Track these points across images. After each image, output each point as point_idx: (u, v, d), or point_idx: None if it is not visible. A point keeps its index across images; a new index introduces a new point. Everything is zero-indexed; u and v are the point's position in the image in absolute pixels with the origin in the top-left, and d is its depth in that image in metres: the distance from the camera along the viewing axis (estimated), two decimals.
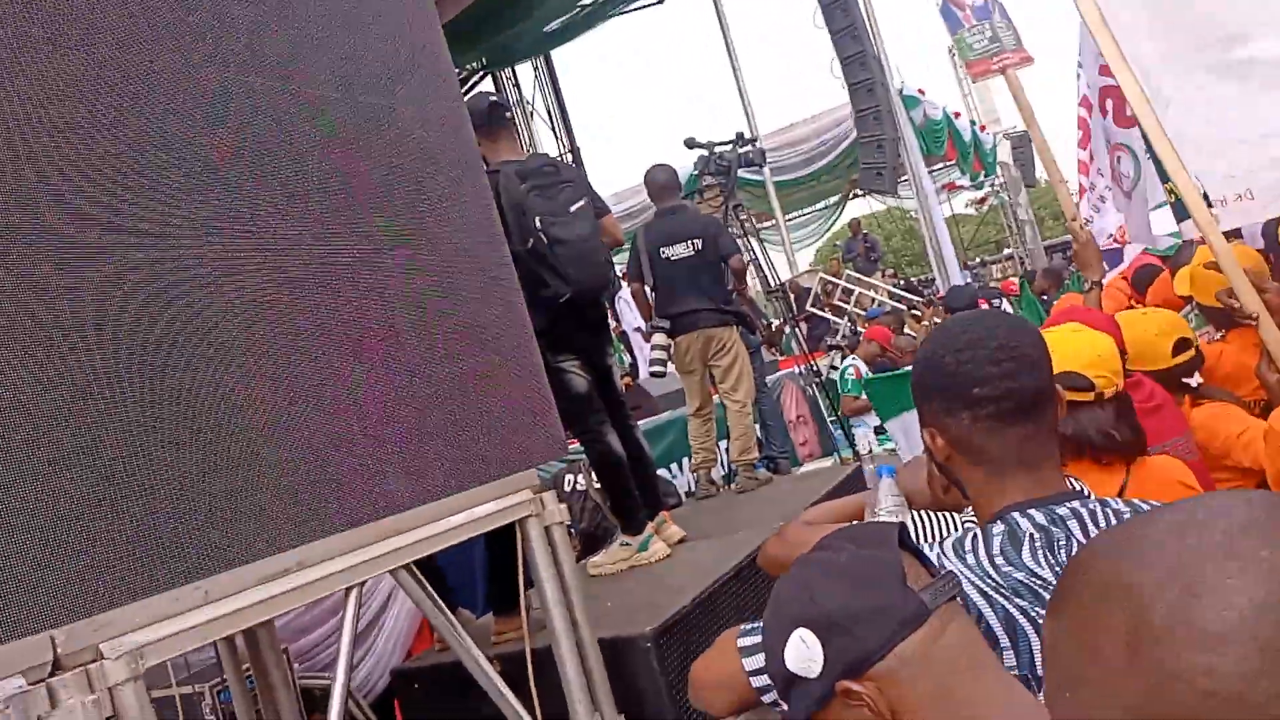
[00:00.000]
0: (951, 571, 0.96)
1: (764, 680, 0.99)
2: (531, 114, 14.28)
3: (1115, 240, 6.28)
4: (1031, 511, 1.09)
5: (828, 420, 6.93)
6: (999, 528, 1.09)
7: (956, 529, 1.50)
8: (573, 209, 3.33)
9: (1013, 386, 1.10)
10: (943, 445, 1.16)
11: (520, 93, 14.88)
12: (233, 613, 1.60)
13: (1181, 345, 2.50)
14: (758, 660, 1.00)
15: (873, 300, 12.37)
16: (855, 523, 1.35)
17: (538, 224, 3.21)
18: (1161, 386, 2.36)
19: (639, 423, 4.29)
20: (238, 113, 1.80)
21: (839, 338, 9.98)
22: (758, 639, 1.01)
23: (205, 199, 1.69)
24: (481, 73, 14.74)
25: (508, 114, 3.58)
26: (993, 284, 16.63)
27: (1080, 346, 2.00)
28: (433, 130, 2.29)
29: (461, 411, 2.15)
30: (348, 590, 1.83)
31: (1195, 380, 2.54)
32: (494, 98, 3.68)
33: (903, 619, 0.86)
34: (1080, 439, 1.88)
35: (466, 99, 3.71)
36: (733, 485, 4.93)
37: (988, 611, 1.04)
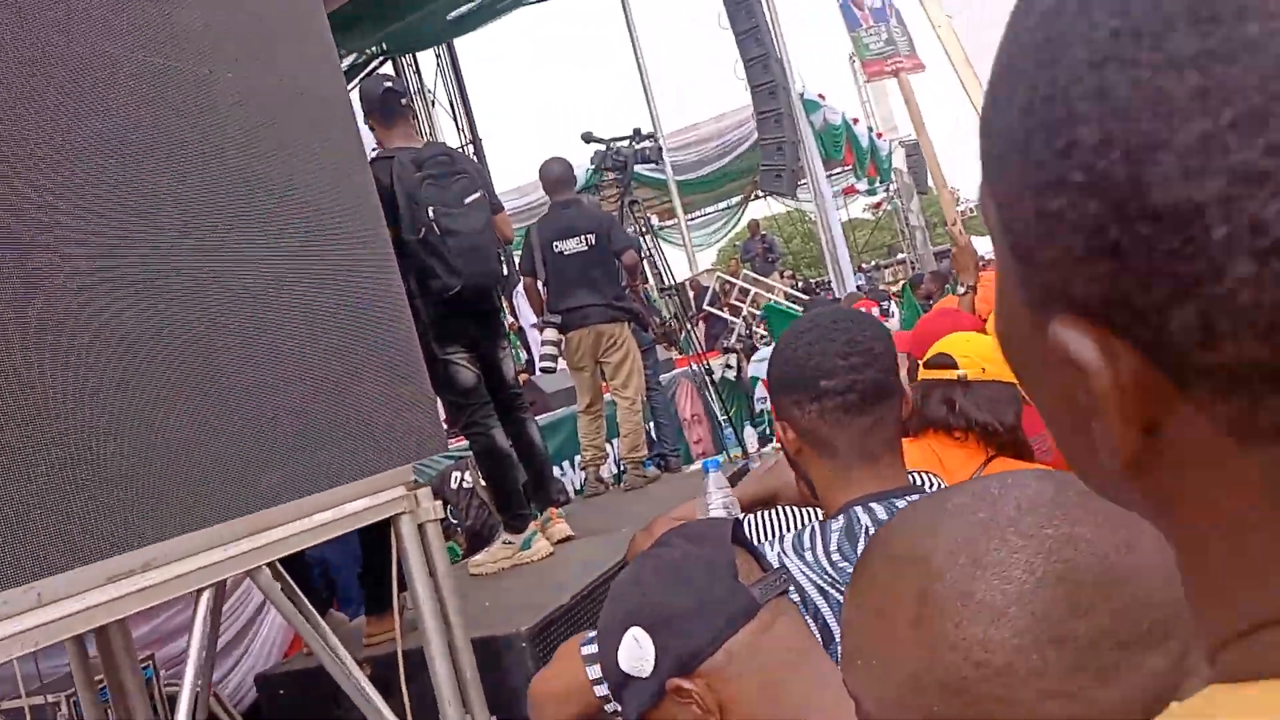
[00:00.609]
0: (783, 567, 0.96)
1: (606, 688, 0.98)
2: (433, 103, 14.03)
3: None
4: (873, 505, 1.11)
5: (720, 419, 7.00)
6: (838, 523, 1.11)
7: None
8: (467, 201, 3.28)
9: (858, 379, 1.13)
10: (793, 438, 1.18)
11: (421, 80, 14.58)
12: (69, 616, 1.51)
13: None
14: (599, 669, 0.99)
15: (769, 301, 12.57)
16: (691, 520, 1.36)
17: (430, 214, 3.16)
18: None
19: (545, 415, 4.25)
20: (105, 86, 1.69)
21: (734, 339, 10.10)
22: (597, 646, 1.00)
23: (67, 175, 1.59)
24: (382, 58, 14.41)
25: (404, 100, 3.50)
26: (883, 287, 17.12)
27: (955, 337, 2.13)
28: (308, 105, 2.20)
29: (333, 403, 2.09)
30: (199, 591, 1.74)
31: None
32: (389, 84, 3.58)
33: (731, 614, 0.86)
34: (928, 412, 1.98)
35: (362, 82, 3.63)
36: (621, 483, 4.94)
37: (825, 608, 1.05)
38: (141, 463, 1.64)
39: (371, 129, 3.38)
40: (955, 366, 2.01)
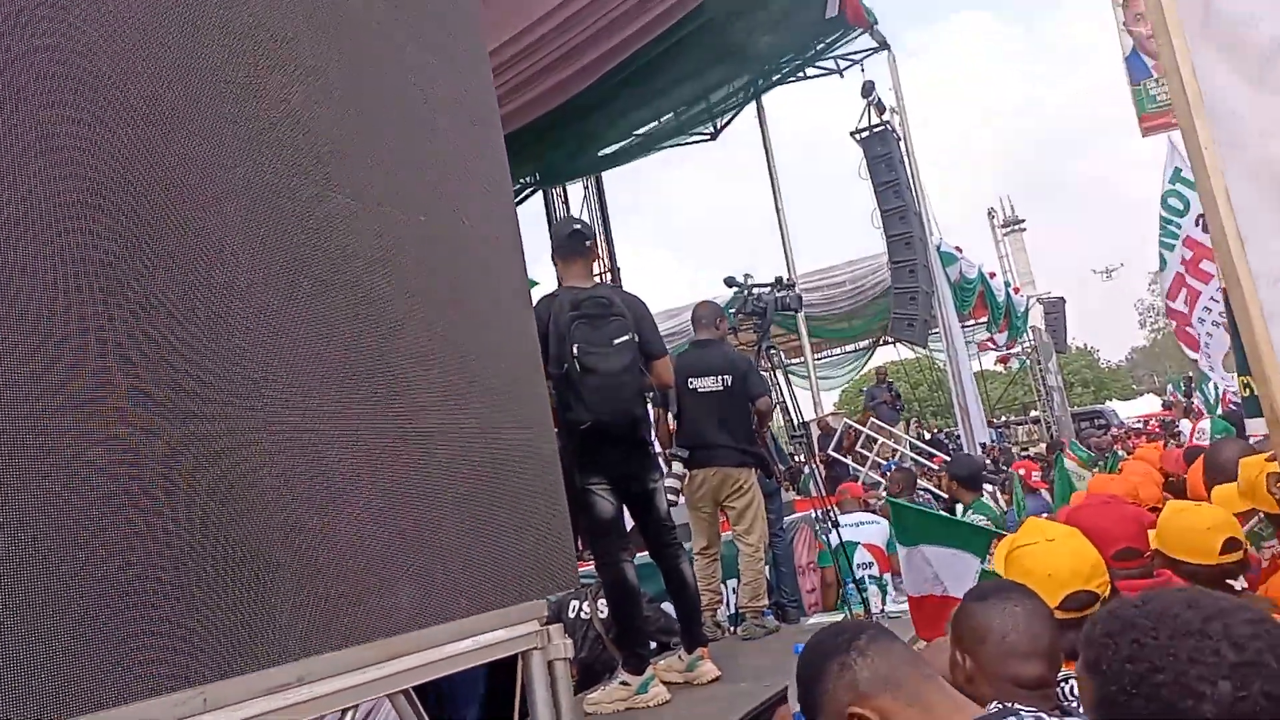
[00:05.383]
0: None
1: None
2: None
3: None
4: None
5: (841, 573, 6.78)
6: None
7: None
8: (616, 342, 3.41)
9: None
10: None
11: (568, 208, 15.34)
12: None
13: (1231, 545, 2.47)
14: None
15: (894, 452, 12.28)
16: None
17: (575, 351, 3.29)
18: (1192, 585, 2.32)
19: (642, 555, 4.25)
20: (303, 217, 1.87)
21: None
22: None
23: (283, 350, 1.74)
24: (534, 188, 15.27)
25: (587, 242, 3.69)
26: (1017, 447, 16.46)
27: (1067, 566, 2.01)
28: (481, 238, 2.34)
29: (478, 533, 2.13)
30: (343, 712, 1.79)
31: (1240, 584, 2.48)
32: (578, 225, 3.80)
33: None
34: None
35: (555, 224, 3.93)
36: (738, 630, 4.83)
37: None
38: (302, 575, 1.71)
39: (555, 264, 3.65)
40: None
